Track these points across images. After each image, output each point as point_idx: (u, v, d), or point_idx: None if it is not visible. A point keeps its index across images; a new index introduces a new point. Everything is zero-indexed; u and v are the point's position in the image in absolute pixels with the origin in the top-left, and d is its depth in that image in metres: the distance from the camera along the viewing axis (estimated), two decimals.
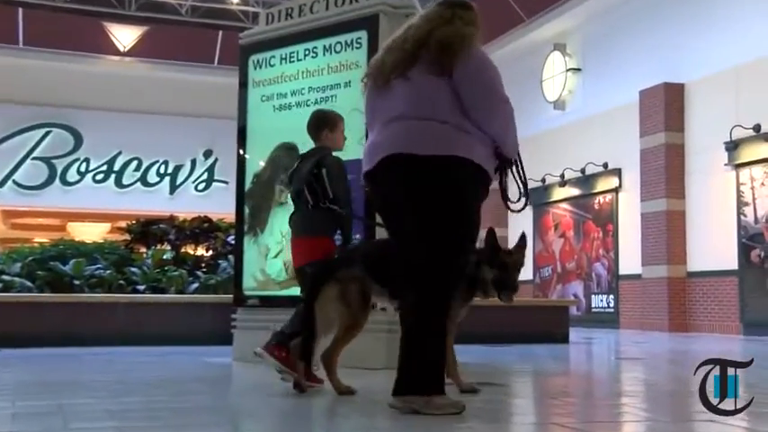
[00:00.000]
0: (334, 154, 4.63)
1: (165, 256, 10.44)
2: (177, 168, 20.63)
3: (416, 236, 3.22)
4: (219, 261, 10.26)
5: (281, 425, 3.19)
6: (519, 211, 3.55)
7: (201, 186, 20.73)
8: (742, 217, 12.79)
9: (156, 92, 19.78)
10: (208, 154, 20.66)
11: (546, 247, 17.61)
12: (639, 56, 14.86)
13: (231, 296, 6.86)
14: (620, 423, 3.33)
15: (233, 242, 8.00)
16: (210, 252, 10.89)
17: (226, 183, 18.87)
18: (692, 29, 13.76)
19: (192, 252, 10.95)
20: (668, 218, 13.82)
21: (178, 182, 20.64)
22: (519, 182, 3.54)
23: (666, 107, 13.95)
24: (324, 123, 4.58)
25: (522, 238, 3.92)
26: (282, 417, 3.34)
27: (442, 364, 3.17)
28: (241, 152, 6.72)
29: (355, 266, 3.78)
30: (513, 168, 3.53)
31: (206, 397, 4.24)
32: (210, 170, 20.70)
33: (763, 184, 12.48)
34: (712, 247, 13.30)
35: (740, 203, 12.82)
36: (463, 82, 3.23)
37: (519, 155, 3.55)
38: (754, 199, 12.62)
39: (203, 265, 10.47)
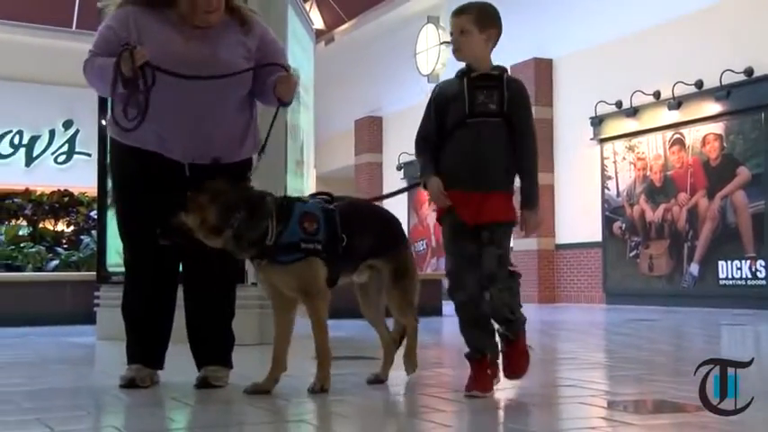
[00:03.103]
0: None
1: (20, 232, 9.92)
2: (34, 139, 19.43)
3: None
4: (82, 237, 9.84)
5: (145, 403, 3.02)
6: None
7: (62, 159, 19.62)
8: (606, 190, 13.30)
9: (8, 56, 18.49)
10: (68, 124, 19.59)
11: (421, 221, 17.81)
12: (511, 30, 14.86)
13: (94, 273, 6.59)
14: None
15: (96, 217, 7.67)
16: (72, 228, 10.42)
17: (88, 155, 17.96)
18: (562, 6, 14.13)
19: (51, 228, 10.44)
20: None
21: (35, 153, 19.44)
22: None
23: (536, 82, 14.30)
24: None
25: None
26: (146, 395, 3.17)
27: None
28: (103, 123, 6.41)
29: None
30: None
31: (66, 378, 4.00)
32: (71, 141, 19.63)
33: (624, 158, 13.02)
34: (579, 219, 13.79)
35: (604, 177, 13.33)
36: None
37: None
38: (616, 173, 13.14)
39: (64, 241, 10.00)
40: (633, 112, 12.61)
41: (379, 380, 3.39)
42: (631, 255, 12.82)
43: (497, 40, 3.22)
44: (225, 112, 3.34)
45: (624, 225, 12.97)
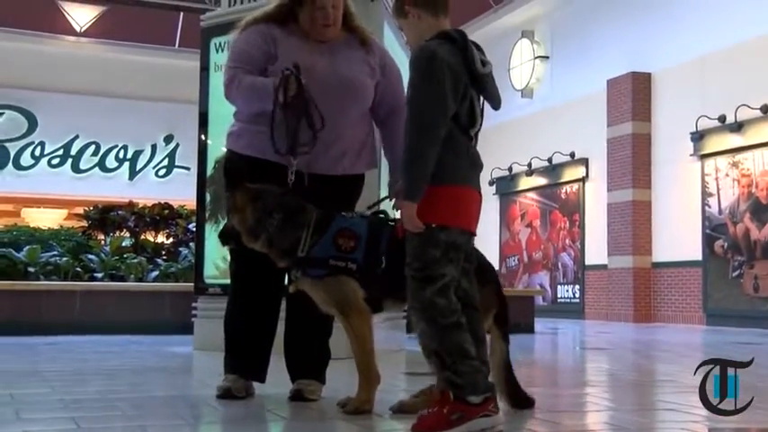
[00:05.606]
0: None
1: (123, 244, 10.26)
2: (137, 153, 20.22)
3: None
4: (180, 249, 10.11)
5: (241, 415, 3.07)
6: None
7: (162, 172, 20.34)
8: (706, 207, 12.87)
9: (114, 74, 19.35)
10: (169, 139, 20.29)
11: (512, 236, 17.62)
12: (607, 44, 14.88)
13: (192, 284, 6.75)
14: (583, 412, 3.28)
15: (194, 229, 7.87)
16: (171, 239, 10.72)
17: (187, 169, 18.51)
18: (660, 18, 13.80)
19: (151, 239, 10.77)
20: (634, 208, 13.87)
21: (138, 167, 20.22)
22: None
23: (634, 97, 13.99)
24: None
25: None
26: (242, 407, 3.22)
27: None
28: (203, 138, 6.60)
29: None
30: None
31: (165, 387, 4.12)
32: (171, 156, 20.33)
33: (727, 174, 12.57)
34: (677, 237, 13.38)
35: (705, 194, 12.90)
36: None
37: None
38: (718, 189, 12.70)
39: (163, 252, 10.30)
40: (738, 126, 12.17)
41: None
42: (734, 275, 12.34)
43: (427, 5, 2.78)
44: (345, 123, 3.35)
45: (726, 244, 12.50)
